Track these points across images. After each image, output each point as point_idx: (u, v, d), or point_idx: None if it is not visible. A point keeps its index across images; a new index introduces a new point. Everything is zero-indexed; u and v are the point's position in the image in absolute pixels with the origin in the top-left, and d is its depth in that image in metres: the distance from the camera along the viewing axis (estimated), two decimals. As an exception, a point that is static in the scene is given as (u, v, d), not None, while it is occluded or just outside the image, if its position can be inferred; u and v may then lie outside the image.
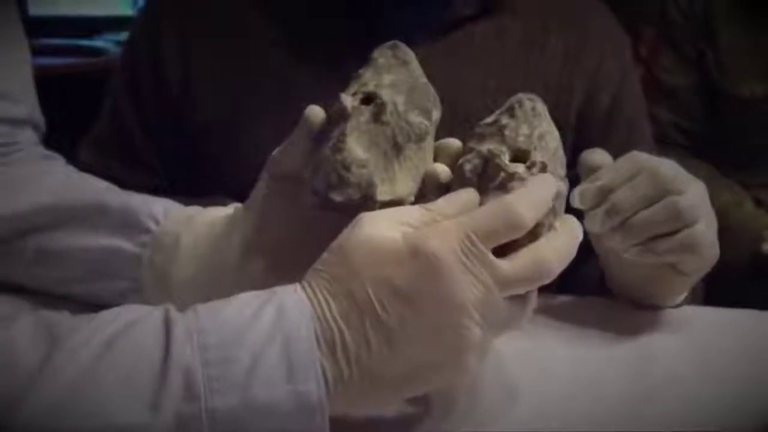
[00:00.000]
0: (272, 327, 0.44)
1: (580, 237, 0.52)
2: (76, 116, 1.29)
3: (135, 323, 0.44)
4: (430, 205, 0.49)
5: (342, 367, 0.45)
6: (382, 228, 0.47)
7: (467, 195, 0.51)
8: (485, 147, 0.52)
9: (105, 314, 0.45)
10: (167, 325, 0.44)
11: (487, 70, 0.85)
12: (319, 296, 0.46)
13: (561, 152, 0.54)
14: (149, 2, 0.94)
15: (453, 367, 0.47)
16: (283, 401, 0.43)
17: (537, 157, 0.52)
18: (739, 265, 1.21)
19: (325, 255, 0.48)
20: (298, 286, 0.47)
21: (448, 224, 0.47)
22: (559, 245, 0.50)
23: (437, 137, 0.57)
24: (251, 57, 0.86)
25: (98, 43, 2.45)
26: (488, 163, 0.52)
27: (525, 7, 0.89)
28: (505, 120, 0.53)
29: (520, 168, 0.51)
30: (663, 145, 1.32)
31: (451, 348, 0.47)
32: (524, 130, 0.53)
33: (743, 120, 1.30)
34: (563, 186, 0.53)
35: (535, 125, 0.53)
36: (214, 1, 0.88)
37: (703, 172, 1.30)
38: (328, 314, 0.45)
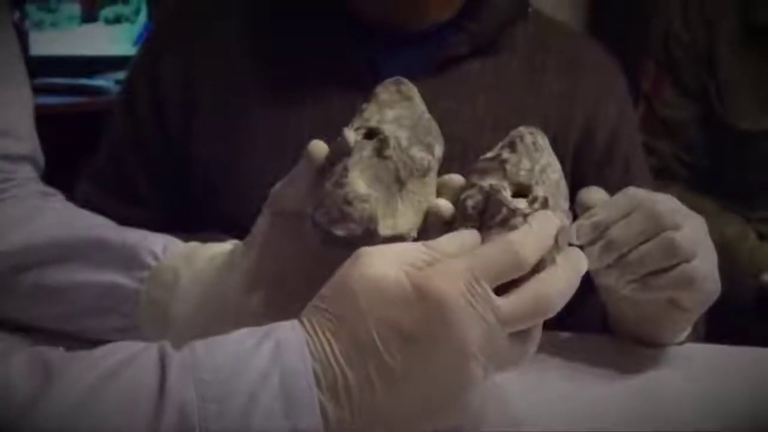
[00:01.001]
0: (270, 363, 0.43)
1: (584, 270, 0.51)
2: (76, 155, 1.30)
3: (130, 359, 0.43)
4: (432, 243, 0.49)
5: (343, 408, 0.44)
6: (385, 266, 0.46)
7: (469, 235, 0.51)
8: (487, 182, 0.52)
9: (100, 350, 0.44)
10: (163, 361, 0.43)
11: (485, 107, 0.86)
12: (320, 336, 0.45)
13: (563, 184, 0.54)
14: (148, 42, 0.94)
15: (455, 408, 0.47)
16: None
17: (539, 191, 0.51)
18: (744, 299, 1.20)
19: (325, 291, 0.47)
20: (296, 322, 0.46)
21: (453, 265, 0.46)
22: (560, 279, 0.49)
23: (438, 173, 0.56)
24: (249, 96, 0.86)
25: (99, 82, 2.46)
26: (490, 198, 0.51)
27: (522, 45, 0.89)
28: (506, 154, 0.53)
29: (521, 204, 0.51)
30: (665, 178, 1.32)
31: (455, 389, 0.46)
32: (525, 164, 0.53)
33: (745, 153, 1.30)
34: (566, 219, 0.52)
35: (537, 159, 0.53)
36: (213, 41, 0.88)
37: (706, 206, 1.29)
38: (330, 354, 0.45)
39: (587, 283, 0.53)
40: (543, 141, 0.54)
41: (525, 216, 0.50)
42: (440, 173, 0.56)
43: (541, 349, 0.58)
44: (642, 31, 1.44)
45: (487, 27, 0.87)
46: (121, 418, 0.40)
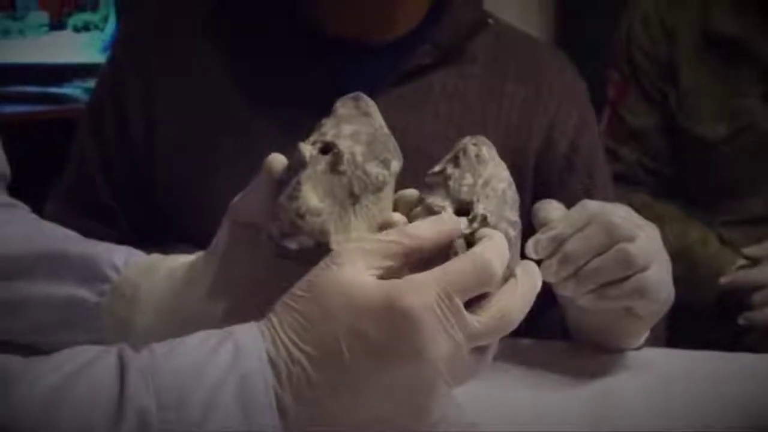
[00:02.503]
0: (228, 367, 0.44)
1: (540, 283, 0.52)
2: (44, 164, 1.29)
3: (90, 363, 0.43)
4: (410, 230, 0.49)
5: (305, 409, 0.45)
6: (360, 269, 0.47)
7: (450, 221, 0.51)
8: (432, 199, 0.53)
9: (59, 355, 0.44)
10: (122, 366, 0.43)
11: (448, 118, 0.87)
12: (284, 336, 0.46)
13: (511, 193, 0.54)
14: (111, 62, 0.94)
15: (415, 417, 0.47)
16: None
17: (479, 209, 0.52)
18: (705, 303, 1.22)
19: (298, 290, 0.47)
20: (255, 324, 0.47)
21: (425, 278, 0.47)
22: (522, 295, 0.50)
23: (400, 187, 0.57)
24: (212, 112, 0.86)
25: (67, 90, 2.44)
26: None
27: (484, 55, 0.90)
28: (450, 169, 0.54)
29: (462, 224, 0.51)
30: (629, 185, 1.34)
31: (417, 401, 0.47)
32: (468, 179, 0.53)
33: (706, 160, 1.31)
34: (511, 230, 0.53)
35: (480, 172, 0.53)
36: (177, 59, 0.89)
37: (669, 212, 1.31)
38: (294, 355, 0.45)
39: (549, 293, 0.54)
40: (488, 151, 0.55)
41: (464, 236, 0.51)
42: (405, 184, 0.57)
43: (502, 356, 0.59)
44: (607, 40, 1.46)
45: (449, 37, 0.88)
46: (81, 423, 0.41)
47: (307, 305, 0.46)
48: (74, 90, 2.44)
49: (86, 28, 2.67)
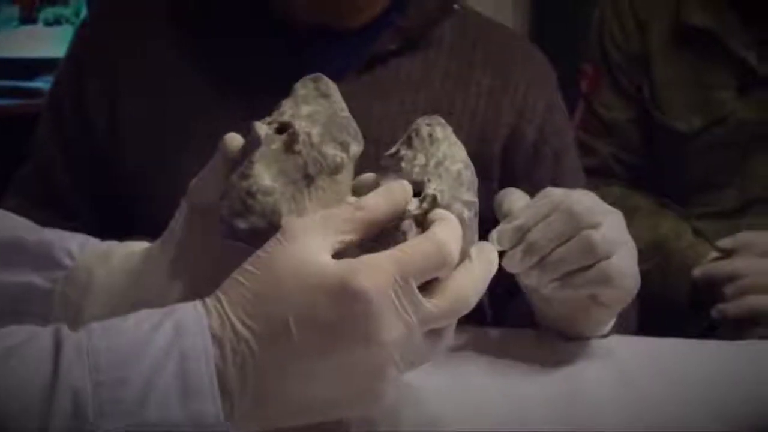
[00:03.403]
0: (168, 345, 0.43)
1: (495, 265, 0.51)
2: (14, 158, 1.27)
3: (22, 343, 0.42)
4: (363, 201, 0.48)
5: (249, 391, 0.44)
6: (313, 245, 0.45)
7: (400, 188, 0.50)
8: (382, 182, 0.52)
9: None
10: (57, 344, 0.42)
11: (413, 104, 0.86)
12: (230, 313, 0.44)
13: (468, 174, 0.53)
14: (72, 45, 0.93)
15: (366, 400, 0.46)
16: (179, 422, 0.41)
17: (429, 189, 0.51)
18: (679, 294, 1.21)
19: (247, 266, 0.46)
20: (199, 303, 0.45)
21: (380, 260, 0.46)
22: (477, 277, 0.49)
23: (364, 171, 0.56)
24: (177, 97, 0.85)
25: (37, 84, 2.42)
26: None
27: (451, 41, 0.90)
28: (403, 151, 0.53)
29: (412, 204, 0.50)
30: (603, 177, 1.34)
31: (366, 383, 0.46)
32: (420, 160, 0.52)
33: (680, 153, 1.31)
34: (467, 213, 0.52)
35: (432, 153, 0.53)
36: (138, 42, 0.87)
37: (643, 204, 1.31)
38: (241, 332, 0.44)
39: (512, 284, 0.53)
40: (442, 131, 0.54)
41: (414, 216, 0.50)
42: (369, 171, 0.56)
43: (468, 346, 0.58)
44: (581, 33, 1.45)
45: (415, 22, 0.87)
46: (14, 405, 0.39)
47: (257, 282, 0.45)
48: (45, 84, 2.41)
49: (57, 21, 2.65)
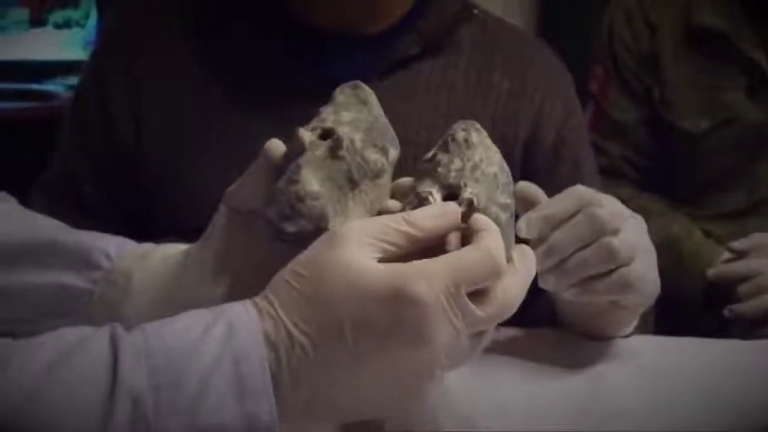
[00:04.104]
0: (222, 347, 0.43)
1: (534, 269, 0.52)
2: (26, 161, 1.28)
3: (80, 343, 0.43)
4: (410, 217, 0.49)
5: (302, 390, 0.45)
6: (362, 251, 0.46)
7: (453, 211, 0.50)
8: (422, 186, 0.53)
9: (48, 335, 0.44)
10: (114, 346, 0.43)
11: (434, 108, 0.87)
12: (284, 317, 0.45)
13: (503, 176, 0.54)
14: (94, 57, 0.94)
15: (408, 399, 0.47)
16: (233, 423, 0.42)
17: (466, 193, 0.52)
18: (692, 294, 1.22)
19: (298, 268, 0.47)
20: (250, 303, 0.46)
21: (435, 266, 0.46)
22: (521, 282, 0.50)
23: (394, 176, 0.57)
24: (201, 107, 0.86)
25: (48, 87, 2.42)
26: (422, 205, 0.52)
27: (470, 45, 0.91)
28: (439, 155, 0.54)
29: None
30: (613, 178, 1.34)
31: (414, 386, 0.47)
32: (456, 164, 0.53)
33: (690, 154, 1.32)
34: (503, 215, 0.52)
35: (468, 156, 0.53)
36: (162, 53, 0.88)
37: (653, 205, 1.32)
38: (296, 336, 0.45)
39: (536, 283, 0.54)
40: (477, 135, 0.55)
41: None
42: (395, 175, 0.57)
43: (493, 345, 0.59)
44: (590, 34, 1.46)
45: (434, 27, 0.88)
46: (74, 407, 0.40)
47: (308, 285, 0.46)
48: (56, 87, 2.43)
49: (67, 24, 2.65)
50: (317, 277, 0.46)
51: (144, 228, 0.86)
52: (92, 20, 2.66)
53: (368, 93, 0.57)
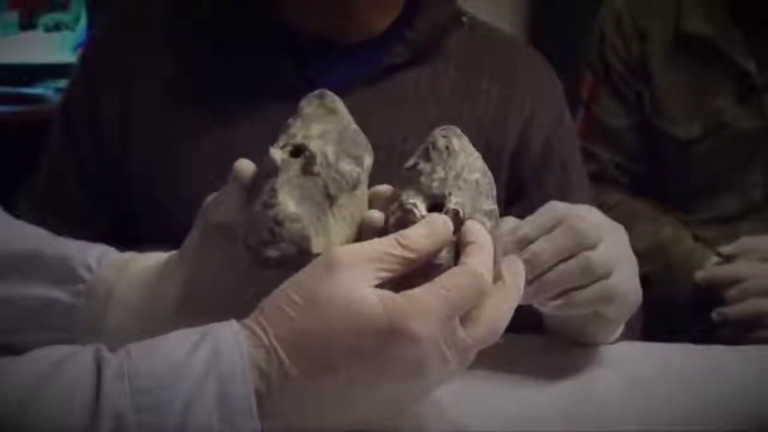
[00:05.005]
0: (206, 369, 0.43)
1: (523, 284, 0.52)
2: (15, 164, 1.28)
3: (64, 362, 0.43)
4: (404, 240, 0.48)
5: (289, 416, 0.45)
6: (359, 280, 0.46)
7: (443, 223, 0.50)
8: (406, 194, 0.52)
9: (31, 354, 0.43)
10: (98, 366, 0.43)
11: (422, 115, 0.87)
12: (278, 347, 0.45)
13: (486, 181, 0.54)
14: (82, 63, 0.93)
15: (393, 415, 0.48)
16: None
17: (451, 203, 0.51)
18: (681, 299, 1.23)
19: (292, 294, 0.46)
20: (237, 326, 0.46)
21: (428, 301, 0.46)
22: (510, 300, 0.50)
23: (375, 183, 0.56)
24: (189, 112, 0.86)
25: (38, 90, 2.42)
26: (407, 215, 0.51)
27: (458, 52, 0.90)
28: (421, 164, 0.53)
29: None
30: (604, 184, 1.34)
31: (402, 407, 0.49)
32: (439, 173, 0.53)
33: (680, 160, 1.32)
34: (488, 222, 0.52)
35: (450, 165, 0.53)
36: (150, 57, 0.88)
37: (644, 210, 1.32)
38: (288, 368, 0.44)
39: None
40: (458, 141, 0.54)
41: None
42: (379, 182, 0.56)
43: (479, 353, 0.58)
44: (580, 39, 1.46)
45: (423, 35, 0.88)
46: (57, 422, 0.40)
47: (305, 315, 0.45)
48: (45, 90, 2.42)
49: (57, 28, 2.64)
50: (312, 307, 0.45)
51: (131, 232, 0.86)
52: (82, 23, 2.66)
53: (335, 101, 0.56)
